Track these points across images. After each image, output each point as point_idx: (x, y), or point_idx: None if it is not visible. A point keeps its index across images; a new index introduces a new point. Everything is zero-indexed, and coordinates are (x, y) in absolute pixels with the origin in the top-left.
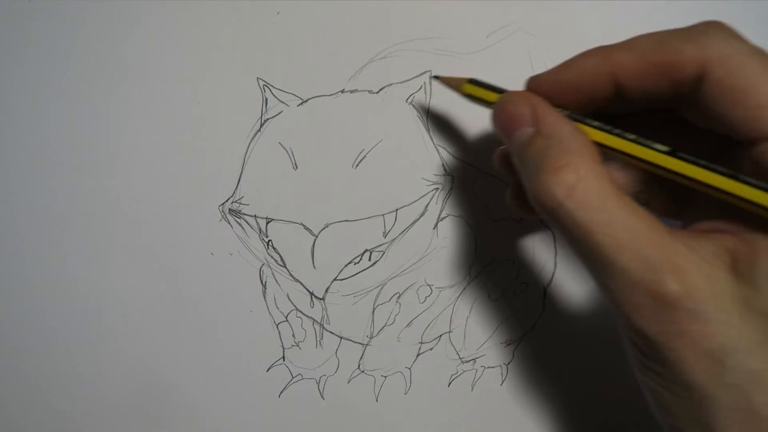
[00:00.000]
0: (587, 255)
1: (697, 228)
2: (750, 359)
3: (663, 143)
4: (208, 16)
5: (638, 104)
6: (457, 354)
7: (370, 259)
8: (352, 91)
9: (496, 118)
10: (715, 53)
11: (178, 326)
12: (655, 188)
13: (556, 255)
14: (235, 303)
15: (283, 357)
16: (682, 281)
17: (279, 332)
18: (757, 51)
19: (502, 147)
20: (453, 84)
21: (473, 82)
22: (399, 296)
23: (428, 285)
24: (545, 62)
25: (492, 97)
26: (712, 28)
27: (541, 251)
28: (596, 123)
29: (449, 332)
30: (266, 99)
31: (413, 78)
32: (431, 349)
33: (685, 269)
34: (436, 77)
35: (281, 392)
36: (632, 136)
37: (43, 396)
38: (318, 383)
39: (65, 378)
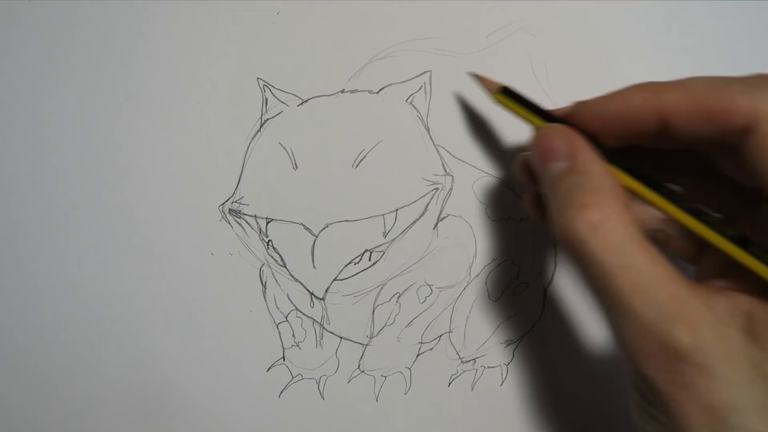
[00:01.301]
0: (602, 295)
1: (715, 284)
2: (751, 420)
3: (683, 180)
4: (208, 16)
5: (678, 144)
6: (457, 354)
7: (370, 259)
8: (352, 91)
9: (535, 147)
10: (767, 108)
11: (178, 326)
12: (672, 231)
13: (556, 255)
14: (235, 303)
15: (283, 357)
16: (693, 335)
17: (279, 332)
18: None
19: (525, 153)
20: (487, 87)
21: (506, 92)
22: (399, 296)
23: (428, 285)
24: (545, 62)
25: (520, 111)
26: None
27: (541, 251)
28: (625, 164)
29: (449, 332)
30: (266, 99)
31: (413, 78)
32: (431, 349)
33: (698, 323)
34: (475, 75)
35: (281, 392)
36: (657, 189)
37: (42, 396)
38: (318, 383)
39: (65, 378)
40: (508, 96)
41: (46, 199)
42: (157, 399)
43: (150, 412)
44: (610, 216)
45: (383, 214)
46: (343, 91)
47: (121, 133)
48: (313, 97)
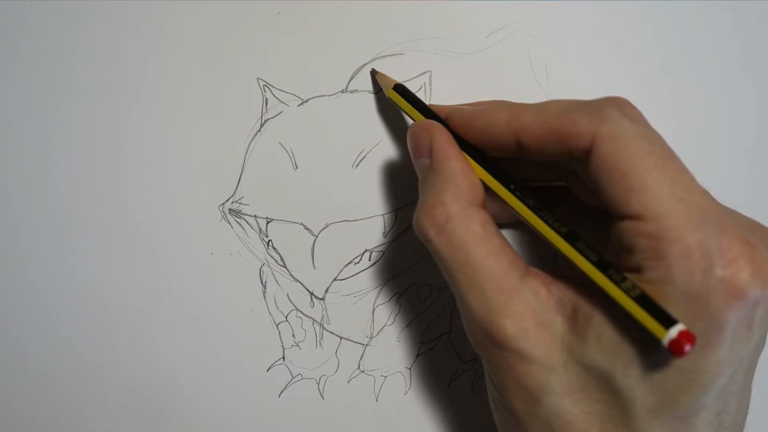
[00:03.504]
0: (449, 284)
1: (561, 272)
2: (562, 403)
3: (572, 178)
4: (208, 16)
5: (542, 159)
6: (457, 354)
7: (370, 259)
8: (352, 91)
9: (408, 144)
10: (605, 130)
11: (178, 326)
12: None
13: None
14: (235, 303)
15: (283, 357)
16: (514, 325)
17: (279, 332)
18: (645, 134)
19: None
20: (383, 83)
21: (398, 89)
22: (399, 296)
23: (428, 285)
24: (545, 62)
25: (407, 108)
26: (610, 106)
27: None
28: (487, 163)
29: (449, 332)
30: (266, 99)
31: (413, 78)
32: (431, 349)
33: (521, 314)
34: (373, 71)
35: (281, 392)
36: (512, 185)
37: (42, 396)
38: (318, 383)
39: (65, 377)
40: (400, 93)
41: (46, 198)
42: (157, 399)
43: (150, 412)
44: (453, 216)
45: (383, 214)
46: (343, 91)
47: (121, 133)
48: (313, 97)
